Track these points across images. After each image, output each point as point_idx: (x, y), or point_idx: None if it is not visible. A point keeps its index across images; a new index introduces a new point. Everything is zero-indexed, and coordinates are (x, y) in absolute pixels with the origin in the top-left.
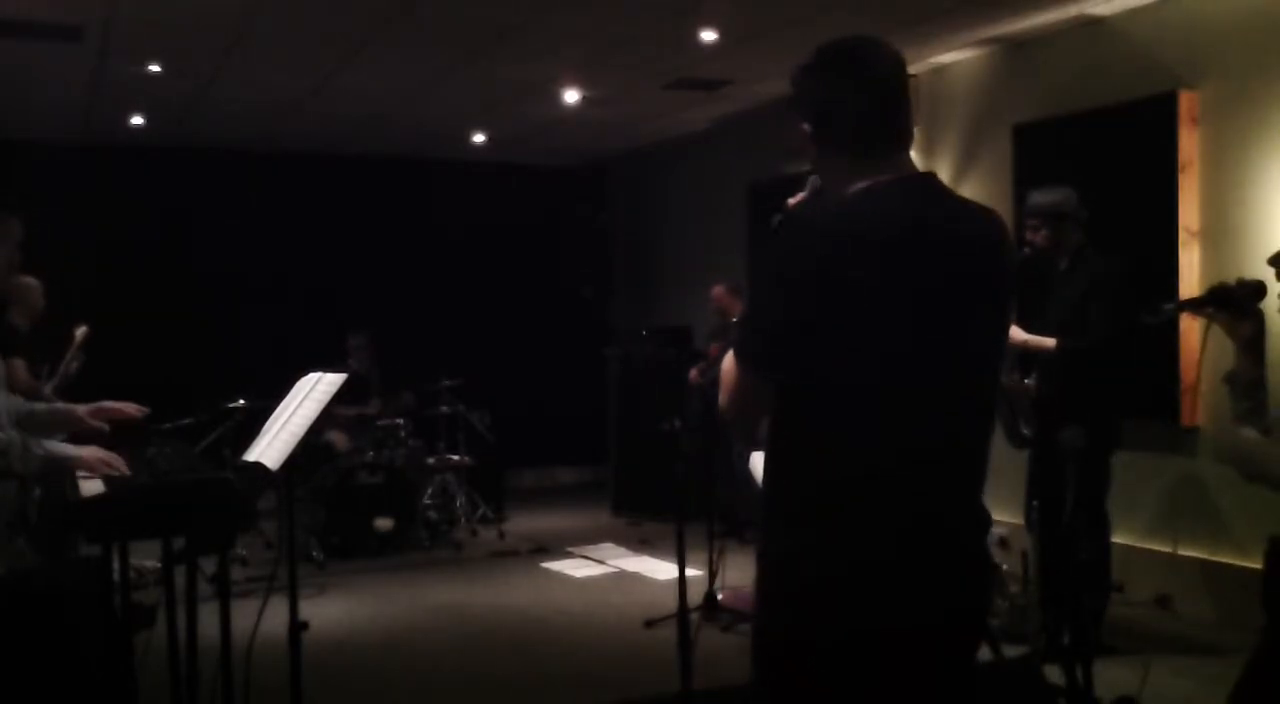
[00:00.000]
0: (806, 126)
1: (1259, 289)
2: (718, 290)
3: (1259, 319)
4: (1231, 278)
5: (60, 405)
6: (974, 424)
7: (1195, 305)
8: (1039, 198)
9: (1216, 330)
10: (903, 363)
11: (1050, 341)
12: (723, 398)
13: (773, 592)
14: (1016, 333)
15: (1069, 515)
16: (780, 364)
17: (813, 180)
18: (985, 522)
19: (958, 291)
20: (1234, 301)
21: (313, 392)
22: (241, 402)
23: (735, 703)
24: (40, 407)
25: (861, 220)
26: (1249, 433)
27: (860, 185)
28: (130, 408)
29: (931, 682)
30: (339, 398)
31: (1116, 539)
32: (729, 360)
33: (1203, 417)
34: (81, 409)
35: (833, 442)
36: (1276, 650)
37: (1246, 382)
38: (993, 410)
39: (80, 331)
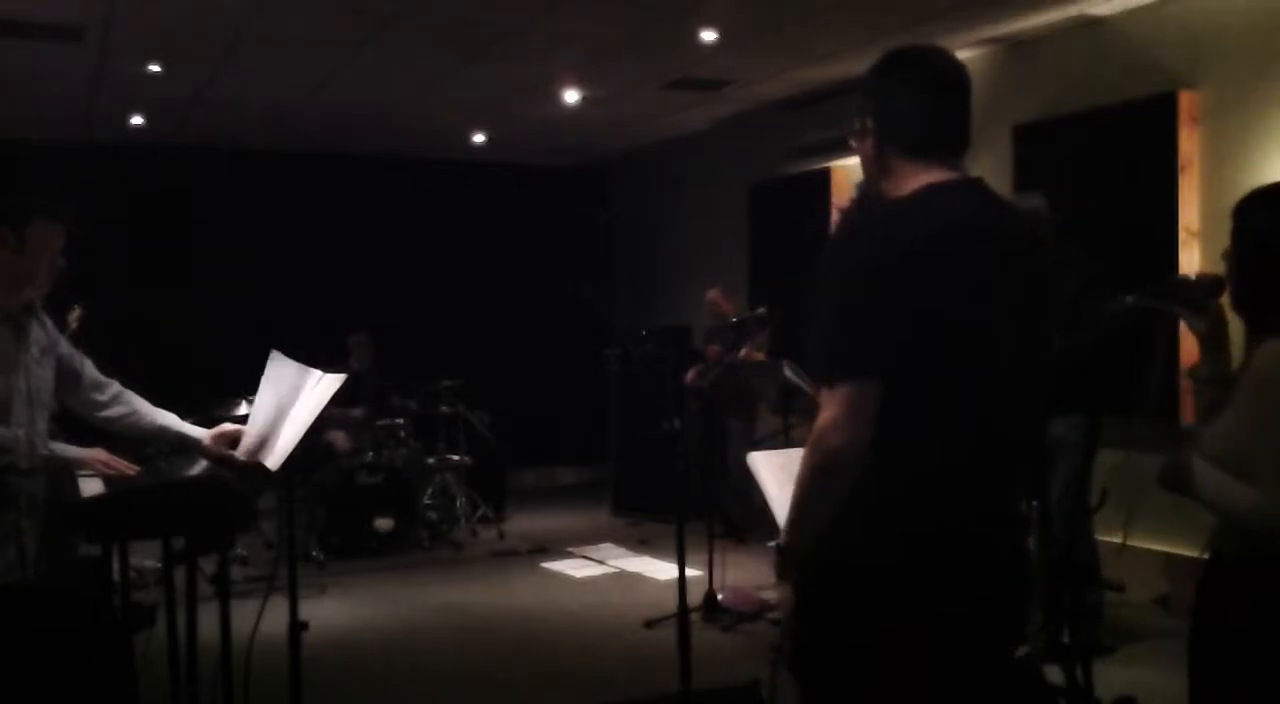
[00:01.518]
0: (871, 123)
1: (1215, 284)
2: (712, 294)
3: (1215, 315)
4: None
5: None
6: (1030, 419)
7: (1151, 298)
8: (1021, 202)
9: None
10: (970, 357)
11: None
12: (842, 439)
13: (820, 580)
14: None
15: (1066, 512)
16: (878, 362)
17: (859, 185)
18: (1024, 518)
19: (1017, 288)
20: (1182, 295)
21: (312, 391)
22: (241, 402)
23: (735, 703)
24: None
25: (932, 216)
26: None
27: (920, 184)
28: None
29: (972, 672)
30: (333, 398)
31: (1116, 539)
32: (809, 442)
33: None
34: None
35: (901, 435)
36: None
37: (1206, 376)
38: (1044, 410)
39: (74, 316)
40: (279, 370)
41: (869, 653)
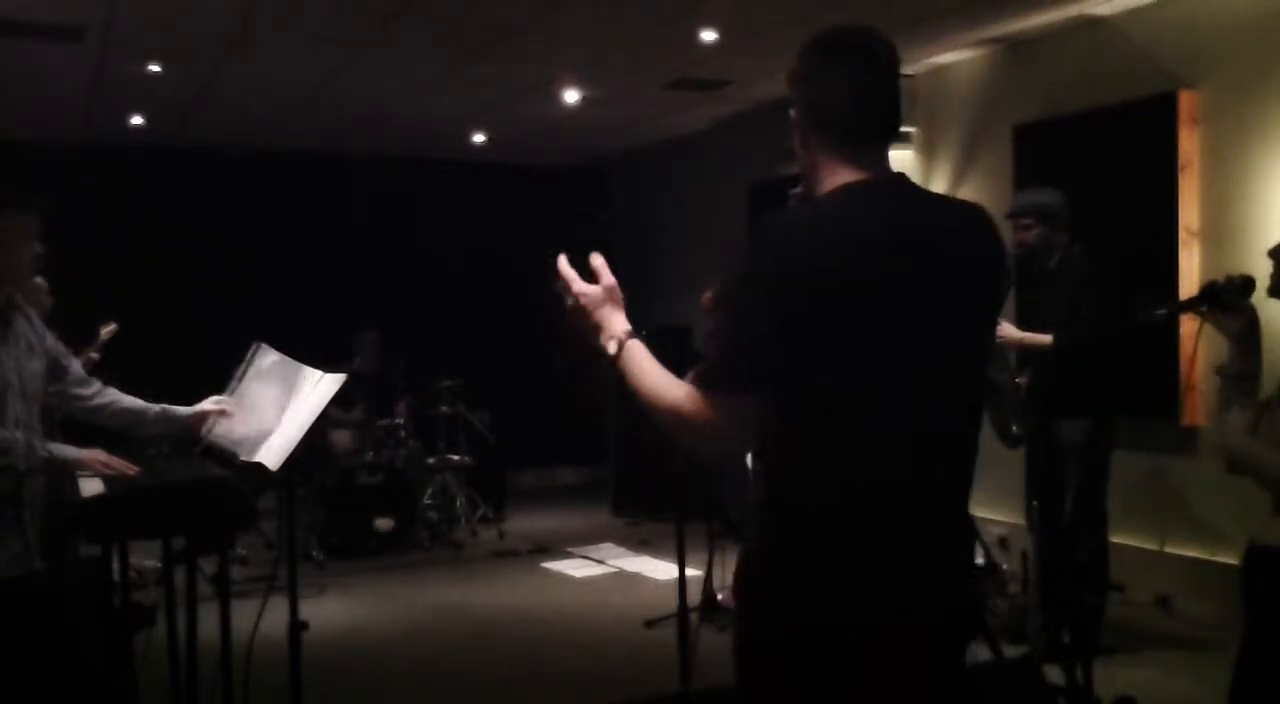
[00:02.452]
0: (796, 112)
1: (1246, 284)
2: (706, 297)
3: (1248, 313)
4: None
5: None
6: (961, 423)
7: (1188, 306)
8: (1028, 198)
9: (1210, 329)
10: (886, 365)
11: (1046, 338)
12: (699, 440)
13: (751, 588)
14: (1013, 331)
15: (1069, 513)
16: (762, 377)
17: (794, 193)
18: (970, 524)
19: (940, 289)
20: (1222, 297)
21: (312, 391)
22: None
23: (735, 703)
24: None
25: (832, 224)
26: (1234, 418)
27: (839, 182)
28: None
29: (912, 683)
30: (337, 399)
31: (1116, 539)
32: (684, 400)
33: (1203, 417)
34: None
35: (821, 447)
36: (1261, 647)
37: (1235, 374)
38: (980, 409)
39: (107, 329)
40: (273, 368)
41: (798, 659)
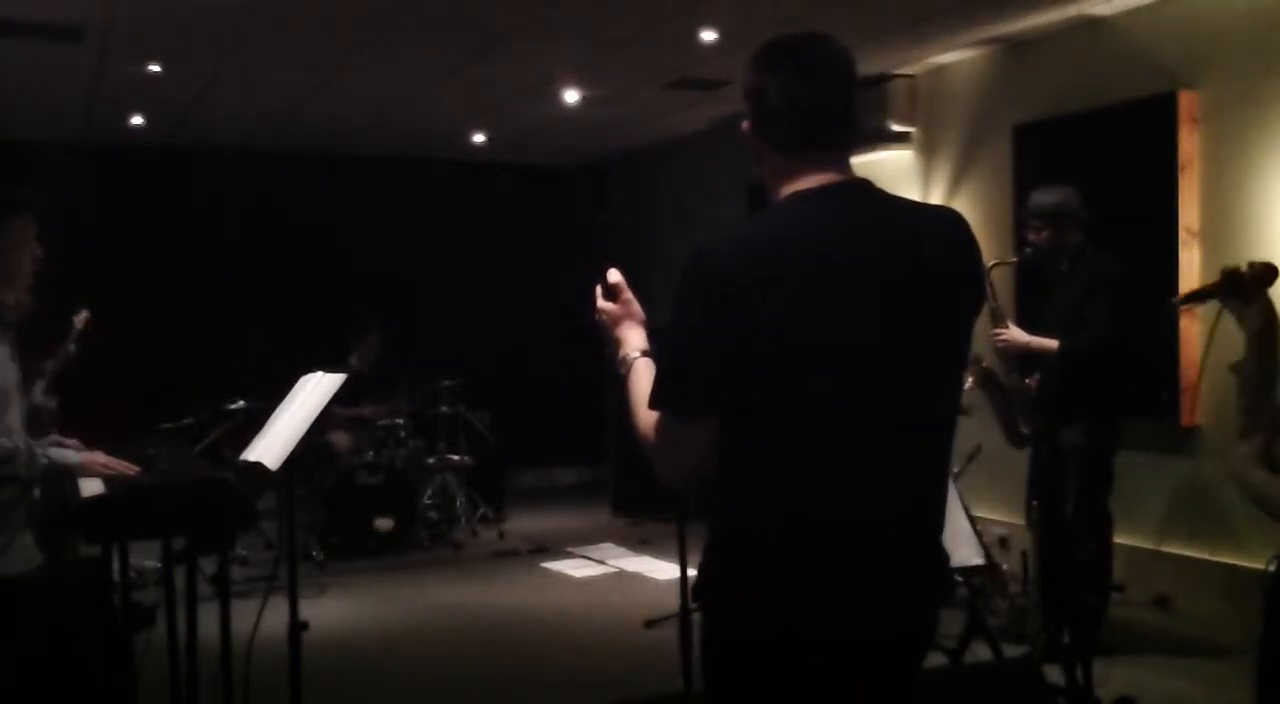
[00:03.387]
0: (747, 122)
1: (1265, 273)
2: None
3: (1268, 309)
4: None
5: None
6: (929, 434)
7: (1208, 293)
8: (1040, 198)
9: (1223, 329)
10: (832, 376)
11: (1052, 343)
12: (658, 464)
13: (710, 602)
14: (1019, 334)
15: (1070, 514)
16: (703, 397)
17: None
18: (936, 549)
19: (895, 296)
20: (1241, 286)
21: (312, 391)
22: (241, 402)
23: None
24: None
25: (770, 233)
26: (1259, 475)
27: (792, 190)
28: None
29: (865, 696)
30: (336, 398)
31: (1117, 539)
32: (647, 424)
33: (1203, 417)
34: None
35: (771, 464)
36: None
37: (1252, 377)
38: (953, 419)
39: (80, 318)
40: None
41: (756, 669)
